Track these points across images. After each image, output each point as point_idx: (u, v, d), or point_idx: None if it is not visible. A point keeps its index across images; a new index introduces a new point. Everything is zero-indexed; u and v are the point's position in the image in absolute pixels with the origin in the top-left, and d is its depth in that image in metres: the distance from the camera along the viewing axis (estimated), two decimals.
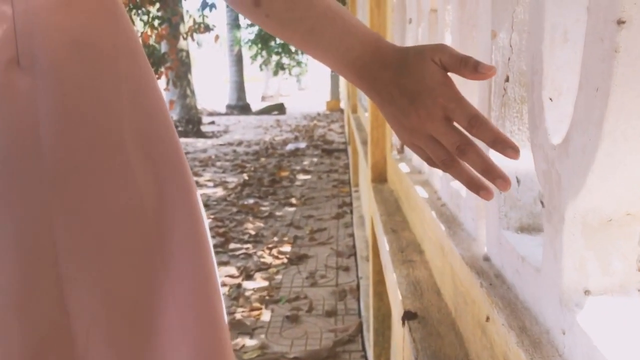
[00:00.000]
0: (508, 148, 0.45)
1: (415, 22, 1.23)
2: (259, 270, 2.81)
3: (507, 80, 0.61)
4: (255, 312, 2.31)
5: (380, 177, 1.58)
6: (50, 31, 0.44)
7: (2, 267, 0.43)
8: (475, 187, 0.48)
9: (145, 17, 7.43)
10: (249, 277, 2.72)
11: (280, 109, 13.62)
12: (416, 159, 1.25)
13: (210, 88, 23.15)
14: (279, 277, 2.72)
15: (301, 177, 5.32)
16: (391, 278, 0.89)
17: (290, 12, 0.51)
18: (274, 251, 3.06)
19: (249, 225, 3.62)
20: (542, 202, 0.59)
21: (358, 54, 0.52)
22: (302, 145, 7.40)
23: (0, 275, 0.43)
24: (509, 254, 0.56)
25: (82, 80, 0.46)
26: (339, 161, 6.16)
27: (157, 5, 7.31)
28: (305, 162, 6.15)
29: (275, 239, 3.32)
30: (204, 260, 0.54)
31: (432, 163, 0.51)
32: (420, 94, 0.48)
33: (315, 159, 6.36)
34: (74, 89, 0.45)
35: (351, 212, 3.85)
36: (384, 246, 1.04)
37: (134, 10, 7.10)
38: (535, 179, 0.59)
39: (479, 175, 0.48)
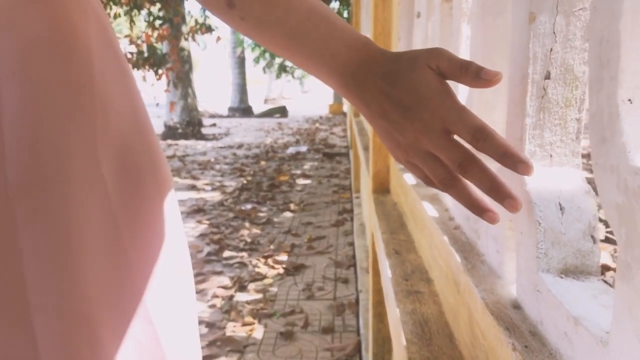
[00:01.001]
0: (519, 163, 0.40)
1: (424, 15, 1.09)
2: (254, 280, 2.67)
3: (547, 77, 0.47)
4: (248, 327, 2.16)
5: (382, 188, 1.44)
6: (9, 31, 0.39)
7: None
8: (478, 209, 0.43)
9: (145, 17, 7.32)
10: (243, 288, 2.58)
11: (282, 111, 13.51)
12: None
13: (213, 90, 23.07)
14: (274, 288, 2.58)
15: (301, 181, 5.18)
16: (394, 313, 0.75)
17: (268, 14, 0.45)
18: (270, 260, 2.92)
19: (245, 232, 3.48)
20: (592, 238, 0.45)
21: (344, 61, 0.46)
22: (303, 148, 7.26)
23: None
24: (552, 307, 0.42)
25: (51, 82, 0.40)
26: (340, 165, 6.02)
27: (159, 5, 7.20)
28: (306, 166, 6.01)
29: (272, 247, 3.18)
30: (181, 288, 0.49)
31: (429, 182, 0.46)
32: (415, 105, 0.43)
33: (316, 163, 6.23)
34: (42, 93, 0.40)
35: (351, 219, 3.71)
36: (386, 272, 0.90)
37: (134, 10, 6.99)
38: (584, 206, 0.45)
39: (482, 196, 0.43)
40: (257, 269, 2.81)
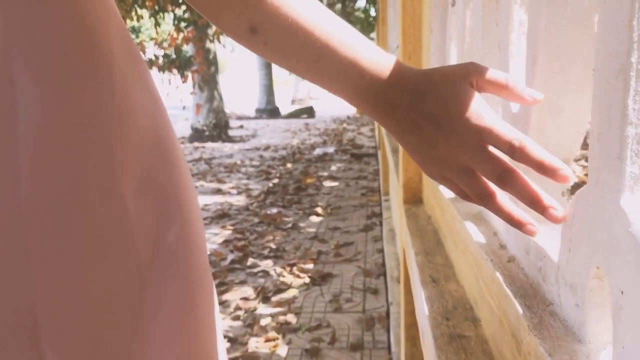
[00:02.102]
0: (558, 171, 0.40)
1: (460, 2, 0.95)
2: (278, 291, 2.55)
3: None
4: (271, 343, 2.04)
5: (414, 198, 1.29)
6: (32, 44, 0.38)
7: None
8: (518, 222, 0.43)
9: (171, 20, 7.31)
10: (266, 299, 2.46)
11: (309, 112, 13.40)
12: None
13: (241, 92, 23.18)
14: (299, 299, 2.45)
15: (328, 184, 5.05)
16: None
17: (292, 38, 0.44)
18: (295, 269, 2.80)
19: (270, 238, 3.37)
20: None
21: (372, 80, 0.45)
22: (331, 149, 7.13)
23: None
24: None
25: (69, 97, 0.39)
26: (369, 167, 5.87)
27: (183, 7, 7.17)
28: (333, 168, 5.87)
29: (298, 254, 3.05)
30: (196, 315, 0.48)
31: (466, 197, 0.46)
32: (449, 118, 0.42)
33: (343, 165, 6.09)
34: (59, 109, 0.39)
35: (381, 223, 3.56)
36: (422, 306, 0.76)
37: (159, 13, 6.98)
38: None
39: (519, 210, 0.43)
40: (281, 279, 2.69)
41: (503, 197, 0.44)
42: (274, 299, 2.46)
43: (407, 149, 0.47)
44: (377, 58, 0.46)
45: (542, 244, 0.51)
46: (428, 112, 0.43)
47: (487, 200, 0.43)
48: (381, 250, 3.04)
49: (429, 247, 0.97)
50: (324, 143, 7.98)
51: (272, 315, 2.28)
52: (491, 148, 0.42)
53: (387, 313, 2.27)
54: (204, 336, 0.49)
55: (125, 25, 0.47)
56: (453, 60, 1.06)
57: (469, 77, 0.44)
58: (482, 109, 0.42)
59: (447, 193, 0.95)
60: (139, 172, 0.43)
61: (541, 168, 0.40)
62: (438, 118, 0.43)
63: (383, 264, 2.81)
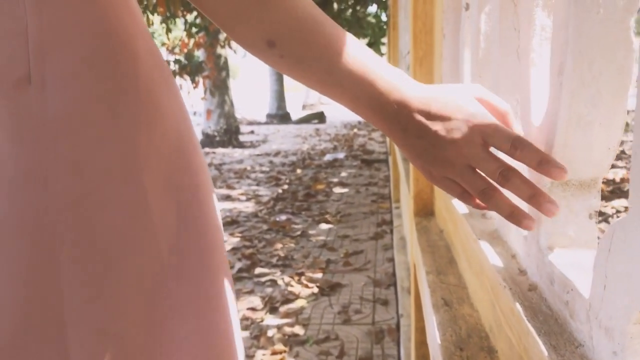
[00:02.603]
0: (555, 168, 0.43)
1: (475, 5, 0.89)
2: (286, 301, 2.50)
3: None
4: (278, 357, 1.99)
5: (425, 210, 1.24)
6: (63, 47, 0.41)
7: (6, 304, 0.39)
8: (517, 217, 0.45)
9: (182, 25, 7.32)
10: (274, 310, 2.41)
11: (320, 117, 13.37)
12: None
13: (253, 97, 23.23)
14: (307, 310, 2.40)
15: (338, 190, 5.00)
16: None
17: (308, 51, 0.46)
18: (304, 278, 2.75)
19: (279, 246, 3.32)
20: None
21: (382, 89, 0.47)
22: (341, 155, 7.08)
23: (3, 313, 0.39)
24: None
25: (96, 99, 0.41)
26: (379, 173, 5.80)
27: (195, 12, 7.18)
28: (343, 174, 5.82)
29: (306, 262, 3.00)
30: (214, 312, 0.50)
31: (466, 198, 0.49)
32: (455, 120, 0.45)
33: (353, 170, 6.03)
34: (86, 109, 0.41)
35: (391, 231, 3.50)
36: (433, 333, 0.70)
37: (170, 20, 6.99)
38: None
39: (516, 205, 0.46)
40: (289, 288, 2.64)
41: (503, 194, 0.46)
42: (282, 309, 2.41)
43: (411, 154, 0.48)
44: (386, 70, 0.48)
45: (568, 274, 0.46)
46: (435, 116, 0.46)
47: (490, 195, 0.46)
48: (391, 259, 2.98)
49: (441, 265, 0.92)
50: (335, 149, 7.93)
51: (279, 327, 2.23)
52: (491, 149, 0.46)
53: (398, 325, 2.21)
54: (222, 331, 0.51)
55: (149, 33, 0.49)
56: (467, 67, 1.00)
57: (474, 92, 0.48)
58: (485, 113, 0.46)
59: (461, 208, 0.89)
60: (163, 174, 0.45)
61: (540, 165, 0.43)
62: (445, 120, 0.45)
63: (393, 274, 2.75)
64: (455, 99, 0.47)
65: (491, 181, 0.46)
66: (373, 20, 10.86)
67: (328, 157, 6.98)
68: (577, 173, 0.50)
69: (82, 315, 0.40)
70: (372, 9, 10.74)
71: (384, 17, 10.49)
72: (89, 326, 0.40)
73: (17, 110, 0.39)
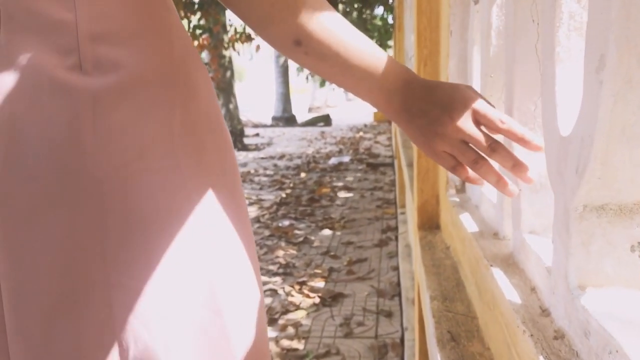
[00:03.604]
0: (534, 140, 0.50)
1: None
2: (286, 312, 2.40)
3: None
4: None
5: (430, 223, 1.14)
6: (112, 37, 0.44)
7: (52, 268, 0.43)
8: (503, 183, 0.53)
9: (186, 27, 7.26)
10: (273, 321, 2.31)
11: (326, 120, 13.27)
12: (485, 209, 0.81)
13: (259, 100, 23.19)
14: (307, 322, 2.30)
15: (342, 194, 4.90)
16: None
17: (329, 48, 0.53)
18: (305, 288, 2.65)
19: (280, 253, 3.23)
20: None
21: (393, 80, 0.55)
22: (346, 159, 6.98)
23: (49, 276, 0.43)
24: None
25: (139, 82, 0.46)
26: (385, 177, 5.70)
27: (199, 14, 7.11)
28: (348, 178, 5.72)
29: (308, 270, 2.90)
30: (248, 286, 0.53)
31: (458, 170, 0.55)
32: (453, 102, 0.53)
33: (359, 174, 5.93)
34: (130, 90, 0.45)
35: (396, 238, 3.39)
36: None
37: None
38: None
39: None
40: (290, 298, 2.54)
41: (491, 164, 0.53)
42: (281, 321, 2.31)
43: (415, 132, 0.56)
44: (394, 63, 0.56)
45: (609, 326, 0.36)
46: (435, 101, 0.53)
47: (480, 164, 0.53)
48: (396, 268, 2.87)
49: (447, 289, 0.81)
50: (340, 152, 7.83)
51: (277, 340, 2.13)
52: (482, 127, 0.53)
53: (402, 339, 2.11)
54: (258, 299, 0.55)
55: (181, 22, 0.52)
56: (476, 66, 0.90)
57: (470, 89, 0.54)
58: (479, 98, 0.53)
59: (469, 225, 0.79)
60: (195, 150, 0.49)
61: (522, 139, 0.50)
62: (444, 103, 0.53)
63: (398, 283, 2.65)
64: (454, 87, 0.54)
65: (481, 153, 0.53)
66: (379, 23, 10.77)
67: (333, 161, 6.87)
68: (617, 196, 0.40)
69: (124, 276, 0.43)
70: (379, 11, 10.64)
71: (390, 20, 10.39)
72: (130, 286, 0.43)
73: (67, 93, 0.43)
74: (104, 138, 0.43)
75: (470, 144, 0.53)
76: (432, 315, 0.73)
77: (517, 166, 0.51)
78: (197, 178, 0.48)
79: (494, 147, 0.51)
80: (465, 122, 0.52)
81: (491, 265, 0.61)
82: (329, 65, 0.54)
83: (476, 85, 0.89)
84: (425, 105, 0.53)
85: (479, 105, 0.52)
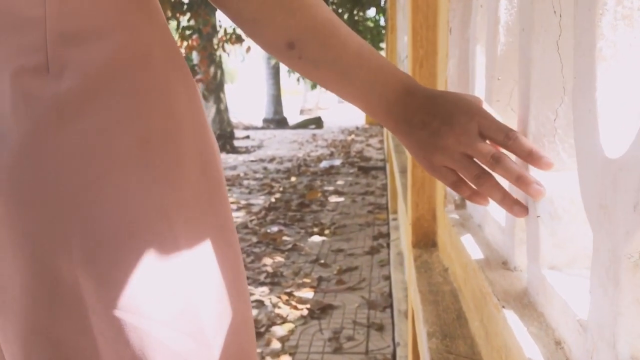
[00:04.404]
0: (542, 159, 0.46)
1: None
2: (272, 325, 2.29)
3: None
4: None
5: (425, 240, 1.03)
6: (83, 38, 0.41)
7: (24, 291, 0.41)
8: (509, 202, 0.49)
9: (176, 28, 7.14)
10: (258, 335, 2.20)
11: (317, 122, 13.17)
12: (491, 232, 0.71)
13: (251, 102, 23.07)
14: (295, 336, 2.19)
15: (333, 199, 4.79)
16: None
17: (325, 54, 0.49)
18: (293, 299, 2.54)
19: (268, 261, 3.11)
20: None
21: (392, 89, 0.51)
22: (337, 162, 6.88)
23: (22, 299, 0.41)
24: None
25: (111, 91, 0.41)
26: (376, 181, 5.60)
27: (188, 14, 6.99)
28: (339, 182, 5.62)
29: (297, 280, 2.79)
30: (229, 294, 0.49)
31: (460, 186, 0.51)
32: (455, 113, 0.49)
33: (350, 178, 5.83)
34: (104, 94, 0.41)
35: (388, 245, 3.30)
36: None
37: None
38: None
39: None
40: (277, 310, 2.43)
41: (496, 180, 0.49)
42: (267, 335, 2.20)
43: (414, 145, 0.52)
44: (396, 72, 0.52)
45: None
46: (437, 112, 0.50)
47: (484, 180, 0.49)
48: (388, 277, 2.77)
49: (447, 323, 0.71)
50: (331, 155, 7.73)
51: (263, 356, 2.02)
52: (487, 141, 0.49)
53: (394, 355, 2.00)
54: (243, 313, 0.51)
55: (167, 25, 0.48)
56: (479, 67, 0.80)
57: (475, 98, 0.52)
58: (482, 107, 0.50)
59: (473, 251, 0.69)
60: (176, 164, 0.44)
61: (529, 155, 0.47)
62: (445, 114, 0.49)
63: (390, 294, 2.55)
64: (457, 95, 0.51)
65: (485, 167, 0.49)
66: (371, 24, 10.70)
67: (324, 164, 6.77)
68: None
69: (97, 302, 0.40)
70: (371, 12, 10.58)
71: (382, 22, 10.32)
72: (104, 313, 0.40)
73: (33, 97, 0.39)
74: (70, 147, 0.39)
75: (474, 158, 0.49)
76: (429, 357, 0.63)
77: (522, 179, 0.47)
78: (176, 193, 0.44)
79: (497, 157, 0.47)
80: (468, 134, 0.48)
81: (503, 307, 0.50)
82: (324, 70, 0.50)
83: (480, 88, 0.79)
84: (426, 116, 0.50)
85: (484, 116, 0.48)
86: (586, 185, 0.38)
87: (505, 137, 0.47)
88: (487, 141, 0.50)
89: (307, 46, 0.48)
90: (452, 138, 0.49)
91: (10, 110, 0.39)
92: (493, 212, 0.72)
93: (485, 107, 0.51)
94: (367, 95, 0.51)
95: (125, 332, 0.41)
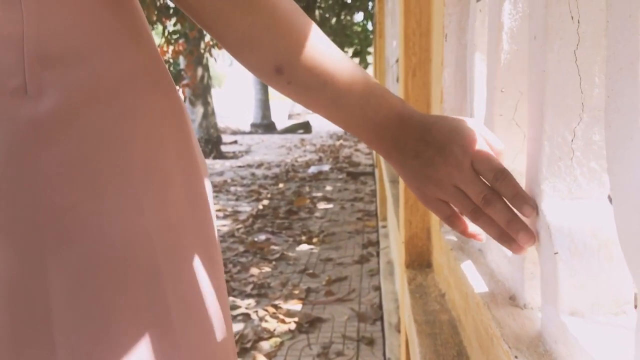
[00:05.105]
0: (526, 204, 0.45)
1: None
2: (259, 340, 2.21)
3: None
4: None
5: (420, 260, 0.96)
6: (63, 59, 0.39)
7: None
8: (506, 238, 0.47)
9: (162, 32, 7.04)
10: (244, 350, 2.12)
11: (305, 127, 13.11)
12: (494, 259, 0.64)
13: (238, 106, 22.96)
14: (282, 352, 2.11)
15: (322, 206, 4.73)
16: None
17: (314, 79, 0.47)
18: (280, 312, 2.46)
19: (255, 271, 3.03)
20: None
21: (385, 115, 0.49)
22: (326, 167, 6.81)
23: None
24: None
25: (94, 107, 0.40)
26: (365, 187, 5.55)
27: (174, 19, 6.89)
28: (328, 188, 5.55)
29: (284, 291, 2.72)
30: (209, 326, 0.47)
31: (453, 221, 0.50)
32: (449, 144, 0.47)
33: (339, 184, 5.77)
34: (84, 116, 0.39)
35: (377, 254, 3.23)
36: None
37: (149, 26, 6.70)
38: None
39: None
40: (263, 324, 2.34)
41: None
42: (253, 351, 2.12)
43: (407, 175, 0.50)
44: (389, 97, 0.49)
45: None
46: (431, 141, 0.48)
47: (479, 215, 0.47)
48: (378, 288, 2.70)
49: (445, 358, 0.64)
50: (320, 160, 7.67)
51: None
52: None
53: None
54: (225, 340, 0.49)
55: (152, 37, 0.47)
56: (479, 77, 0.74)
57: (473, 124, 0.49)
58: (478, 139, 0.47)
59: (476, 282, 0.62)
60: (161, 190, 0.43)
61: (514, 197, 0.45)
62: (439, 144, 0.48)
63: (380, 306, 2.48)
64: (453, 124, 0.48)
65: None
66: (359, 29, 10.68)
67: (312, 170, 6.70)
68: None
69: (72, 338, 0.38)
70: (358, 17, 10.55)
71: (370, 27, 10.29)
72: (78, 350, 0.38)
73: (11, 119, 0.38)
74: (47, 171, 0.38)
75: (464, 190, 0.48)
76: None
77: (512, 223, 0.45)
78: (159, 218, 0.42)
79: (487, 198, 0.45)
80: (461, 169, 0.46)
81: (516, 357, 0.43)
82: (314, 96, 0.48)
83: (480, 100, 0.72)
84: (419, 144, 0.48)
85: (478, 150, 0.46)
86: (624, 221, 0.32)
87: (494, 177, 0.46)
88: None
89: (296, 72, 0.47)
90: (446, 171, 0.47)
91: None
92: None
93: (484, 133, 0.49)
94: (358, 121, 0.49)
95: None
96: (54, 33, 0.39)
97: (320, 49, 0.47)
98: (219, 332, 0.48)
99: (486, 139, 0.49)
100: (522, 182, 0.51)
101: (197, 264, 0.46)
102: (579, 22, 0.44)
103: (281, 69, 0.46)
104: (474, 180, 0.46)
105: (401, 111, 0.49)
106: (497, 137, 0.50)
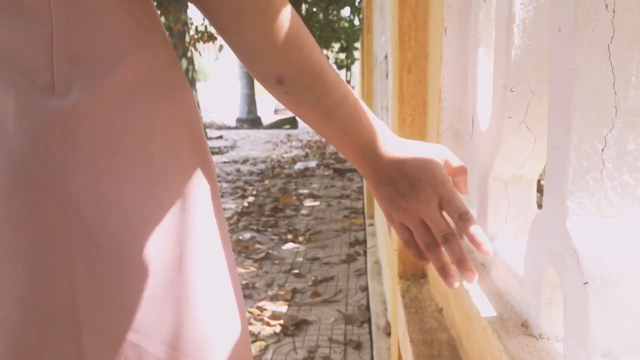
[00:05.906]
0: (481, 246, 0.51)
1: None
2: None
3: None
4: None
5: (414, 270, 0.90)
6: (90, 57, 0.42)
7: (16, 311, 0.41)
8: (446, 272, 0.52)
9: None
10: None
11: (292, 122, 13.02)
12: (501, 277, 0.58)
13: (224, 101, 22.74)
14: (266, 356, 2.04)
15: (308, 203, 4.66)
16: None
17: (310, 93, 0.52)
18: (265, 314, 2.39)
19: (240, 271, 2.95)
20: None
21: (367, 139, 0.54)
22: (312, 164, 6.74)
23: (13, 319, 0.41)
24: None
25: (117, 101, 0.42)
26: (352, 184, 5.49)
27: (158, 12, 6.76)
28: (314, 185, 5.48)
29: (269, 292, 2.64)
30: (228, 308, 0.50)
31: (410, 245, 0.55)
32: (420, 182, 0.52)
33: (325, 181, 5.70)
34: (107, 109, 0.42)
35: (364, 253, 3.18)
36: None
37: None
38: None
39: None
40: (248, 327, 2.28)
41: (442, 252, 0.53)
42: None
43: (380, 197, 0.55)
44: (374, 124, 0.54)
45: None
46: (407, 171, 0.53)
47: (432, 249, 0.53)
48: (365, 288, 2.64)
49: None
50: (306, 156, 7.60)
51: None
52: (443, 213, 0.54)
53: None
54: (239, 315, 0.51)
55: (166, 35, 0.50)
56: (482, 73, 0.67)
57: (442, 155, 0.56)
58: (447, 181, 0.53)
59: (480, 304, 0.55)
60: (177, 178, 0.46)
61: (472, 238, 0.52)
62: (413, 179, 0.53)
63: (367, 307, 2.42)
64: (426, 167, 0.53)
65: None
66: (346, 24, 10.60)
67: (299, 166, 6.63)
68: None
69: (96, 319, 0.41)
70: (345, 12, 10.48)
71: (357, 22, 10.21)
72: (103, 331, 0.41)
73: (39, 115, 0.40)
74: (75, 163, 0.40)
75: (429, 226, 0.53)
76: None
77: (462, 262, 0.51)
78: (178, 209, 0.45)
79: (448, 237, 0.52)
80: (429, 206, 0.52)
81: None
82: (306, 109, 0.52)
83: (486, 100, 0.66)
84: (395, 175, 0.53)
85: (445, 192, 0.52)
86: None
87: (458, 217, 0.52)
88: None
89: (294, 84, 0.51)
90: (415, 205, 0.52)
91: (14, 127, 0.40)
92: (503, 251, 0.59)
93: (448, 157, 0.56)
94: (341, 139, 0.53)
95: (124, 350, 0.41)
96: (81, 35, 0.41)
97: (319, 70, 0.51)
98: (240, 327, 0.50)
99: (449, 162, 0.56)
100: (529, 190, 0.44)
101: (216, 255, 0.49)
102: (614, 12, 0.37)
103: (282, 80, 0.50)
104: (439, 219, 0.52)
105: (381, 138, 0.53)
106: (458, 160, 0.57)
